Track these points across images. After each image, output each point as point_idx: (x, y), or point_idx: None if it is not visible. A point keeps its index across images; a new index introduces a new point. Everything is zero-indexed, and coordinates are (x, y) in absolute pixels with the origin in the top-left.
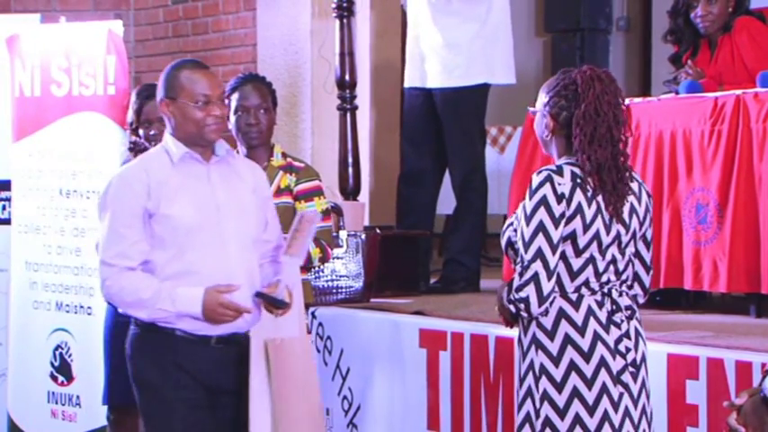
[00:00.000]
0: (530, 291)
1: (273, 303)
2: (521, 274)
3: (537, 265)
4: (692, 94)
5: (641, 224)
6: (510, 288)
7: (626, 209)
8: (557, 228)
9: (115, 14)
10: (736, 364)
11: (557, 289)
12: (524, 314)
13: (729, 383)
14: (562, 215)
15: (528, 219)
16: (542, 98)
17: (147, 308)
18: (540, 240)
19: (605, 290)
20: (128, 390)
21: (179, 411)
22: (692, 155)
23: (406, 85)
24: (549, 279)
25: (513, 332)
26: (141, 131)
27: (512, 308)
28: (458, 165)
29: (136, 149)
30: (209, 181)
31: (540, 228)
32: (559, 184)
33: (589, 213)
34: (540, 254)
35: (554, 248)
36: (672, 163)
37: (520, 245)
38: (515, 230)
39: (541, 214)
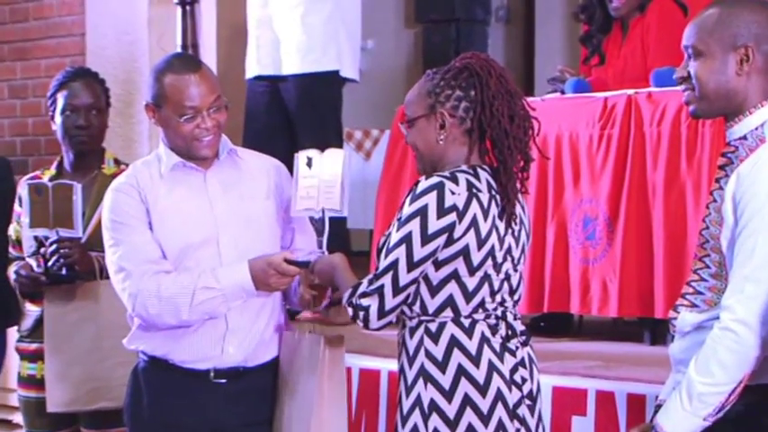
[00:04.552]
0: (372, 301)
1: (299, 265)
2: (370, 282)
3: (386, 279)
4: (580, 93)
5: (527, 236)
6: (355, 291)
7: (516, 219)
8: (424, 245)
9: None
10: (627, 398)
11: (449, 314)
12: (361, 323)
13: (620, 419)
14: (439, 232)
15: (400, 225)
16: (424, 101)
17: (187, 294)
18: (400, 253)
19: (499, 312)
20: None
21: None
22: (580, 162)
23: (255, 74)
24: (395, 296)
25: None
26: None
27: (350, 311)
28: None
29: None
30: (206, 192)
31: (406, 240)
32: (453, 194)
33: (484, 227)
34: (393, 267)
35: (412, 266)
36: (557, 171)
37: (384, 249)
38: (389, 235)
39: (413, 225)
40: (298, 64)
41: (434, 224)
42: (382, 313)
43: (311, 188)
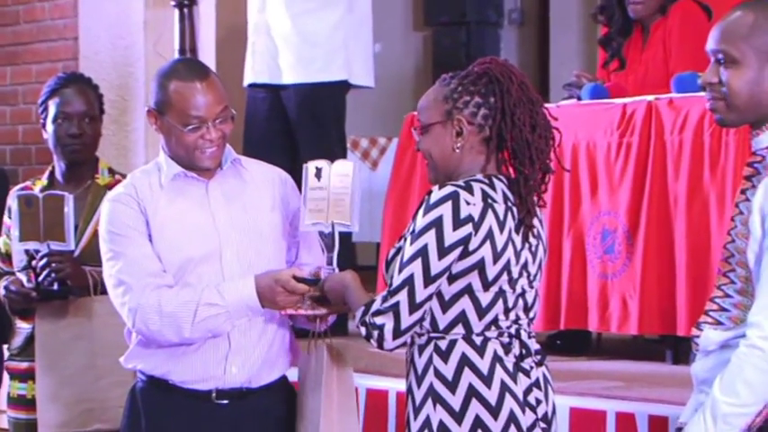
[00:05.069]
0: (387, 320)
1: (309, 283)
2: (384, 299)
3: (401, 295)
4: (597, 99)
5: (545, 252)
6: (368, 309)
7: (534, 232)
8: (441, 258)
9: None
10: (649, 420)
11: (461, 330)
12: (374, 343)
13: None
14: (456, 244)
15: (414, 238)
16: (440, 107)
17: (190, 311)
18: (416, 267)
19: (513, 330)
20: None
21: None
22: (598, 172)
23: (250, 81)
24: (412, 313)
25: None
26: None
27: (363, 330)
28: None
29: None
30: (208, 203)
31: (421, 253)
32: (468, 204)
33: (500, 240)
34: (408, 283)
35: (429, 281)
36: (574, 182)
37: (396, 264)
38: (399, 248)
39: (428, 238)
40: (299, 74)
41: (451, 236)
42: (398, 332)
43: (320, 201)
